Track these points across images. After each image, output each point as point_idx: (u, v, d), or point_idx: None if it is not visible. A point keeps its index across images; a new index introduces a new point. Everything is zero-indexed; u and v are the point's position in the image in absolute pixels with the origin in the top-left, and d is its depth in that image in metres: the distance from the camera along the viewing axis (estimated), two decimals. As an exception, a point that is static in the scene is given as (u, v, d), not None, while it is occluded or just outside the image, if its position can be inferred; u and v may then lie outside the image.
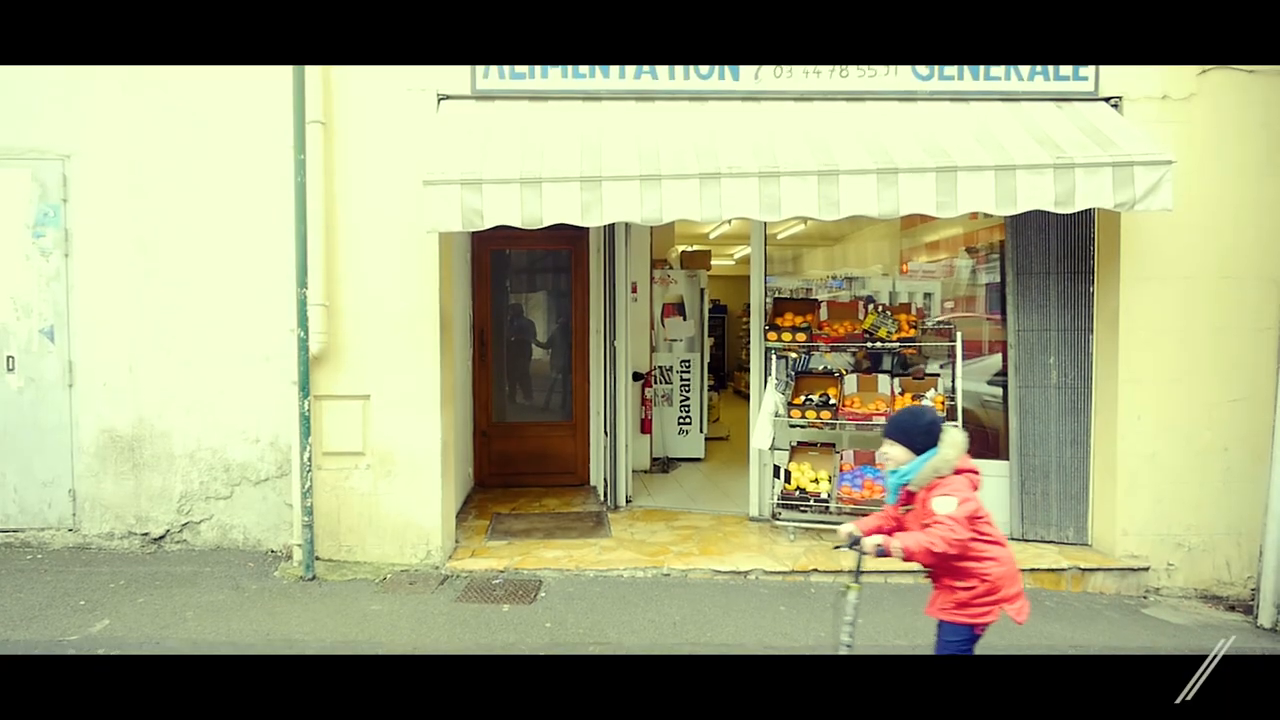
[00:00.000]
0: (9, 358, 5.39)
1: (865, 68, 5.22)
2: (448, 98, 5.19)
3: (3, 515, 5.43)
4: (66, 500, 5.43)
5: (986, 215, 5.50)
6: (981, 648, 2.90)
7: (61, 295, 5.37)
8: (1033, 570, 5.20)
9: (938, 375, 5.96)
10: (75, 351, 5.38)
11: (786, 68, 5.22)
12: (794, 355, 6.41)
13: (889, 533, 2.96)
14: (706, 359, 9.10)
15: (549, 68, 5.18)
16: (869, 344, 5.91)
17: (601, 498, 6.86)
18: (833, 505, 5.61)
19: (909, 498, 2.98)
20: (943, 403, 5.58)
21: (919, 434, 2.91)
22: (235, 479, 5.46)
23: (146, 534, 5.45)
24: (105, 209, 5.34)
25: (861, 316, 6.00)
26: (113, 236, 5.35)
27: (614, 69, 5.20)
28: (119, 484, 5.42)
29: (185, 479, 5.44)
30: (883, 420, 5.64)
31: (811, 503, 5.66)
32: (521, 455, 7.40)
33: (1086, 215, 5.40)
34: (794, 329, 5.93)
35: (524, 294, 7.77)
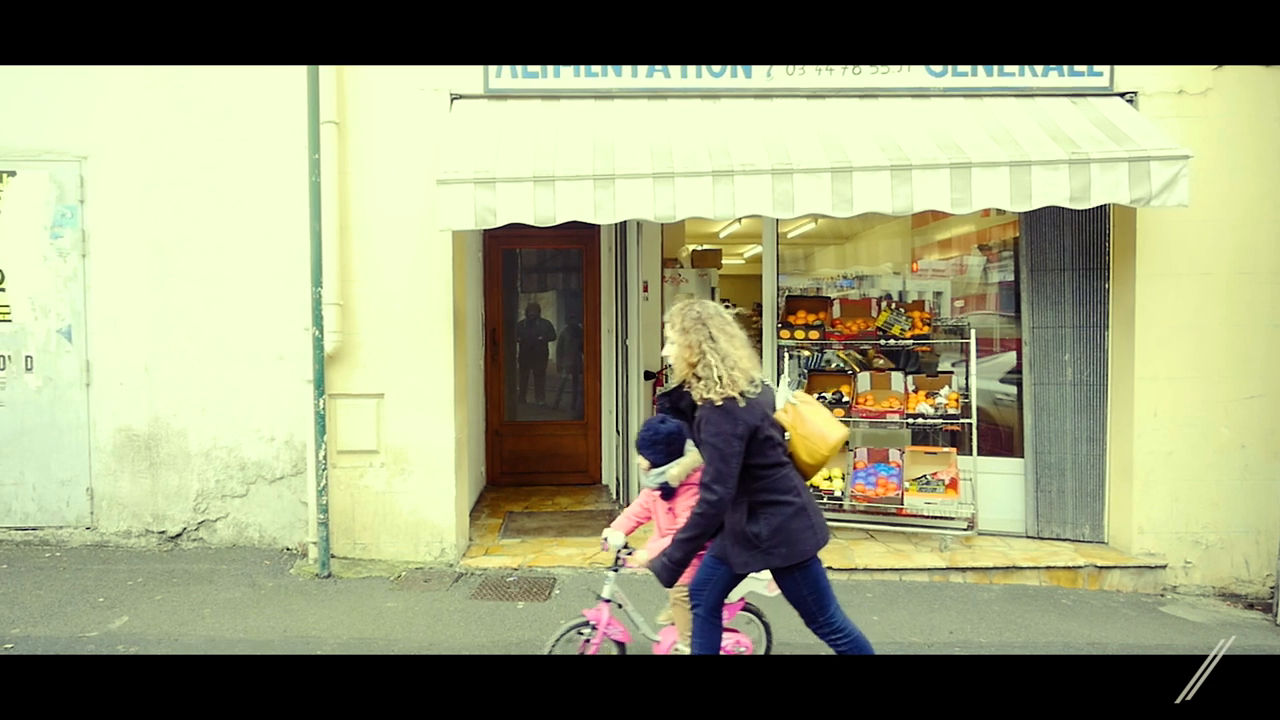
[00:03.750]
0: (27, 357, 5.44)
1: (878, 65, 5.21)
2: (460, 97, 5.21)
3: (22, 513, 5.48)
4: (84, 499, 5.48)
5: (999, 212, 5.48)
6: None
7: (79, 295, 5.41)
8: (1049, 568, 5.18)
9: (951, 373, 5.95)
10: (92, 351, 5.43)
11: (799, 65, 5.22)
12: (806, 353, 6.40)
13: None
14: (718, 358, 9.08)
15: (561, 67, 5.19)
16: (882, 341, 5.89)
17: (614, 496, 6.86)
18: (846, 503, 5.59)
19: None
20: (957, 400, 5.56)
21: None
22: (251, 477, 5.49)
23: (163, 532, 5.49)
24: (121, 210, 5.39)
25: (875, 314, 5.98)
26: (129, 237, 5.39)
27: (626, 67, 5.21)
28: (136, 482, 5.47)
29: (201, 477, 5.48)
30: (897, 418, 5.64)
31: (825, 500, 5.64)
32: (533, 454, 7.42)
33: (1102, 211, 5.36)
34: (807, 327, 5.91)
35: (536, 293, 7.78)
